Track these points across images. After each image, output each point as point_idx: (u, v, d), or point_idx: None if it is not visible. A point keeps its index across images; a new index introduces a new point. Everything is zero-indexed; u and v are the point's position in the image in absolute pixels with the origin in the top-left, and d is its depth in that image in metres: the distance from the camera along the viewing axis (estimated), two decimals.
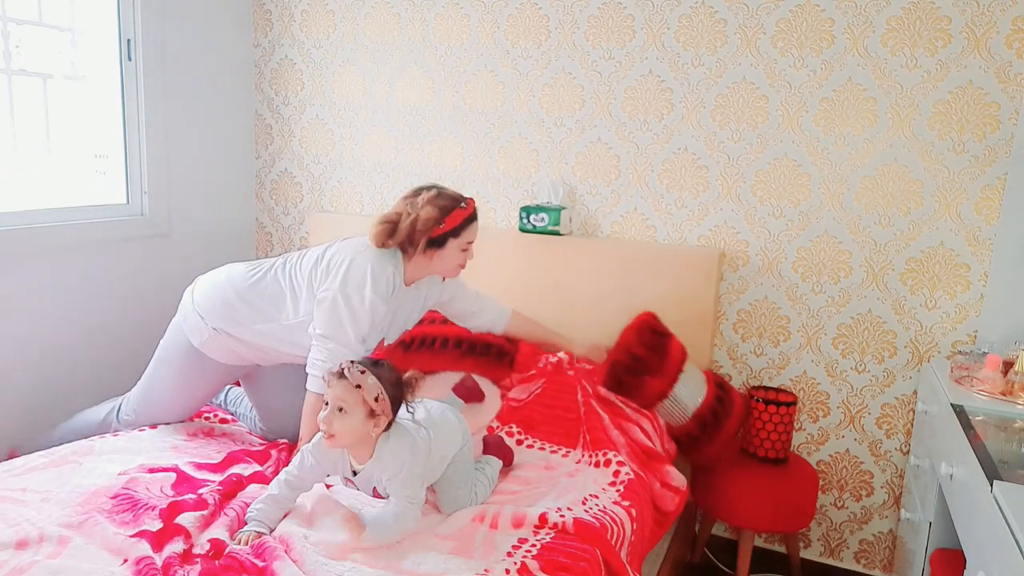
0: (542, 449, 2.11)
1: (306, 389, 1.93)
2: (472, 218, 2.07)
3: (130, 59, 2.69)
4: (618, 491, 1.91)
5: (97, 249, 2.63)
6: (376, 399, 1.56)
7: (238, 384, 2.34)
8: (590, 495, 1.86)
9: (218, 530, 1.57)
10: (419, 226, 1.98)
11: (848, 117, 2.39)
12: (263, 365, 2.15)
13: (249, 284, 2.04)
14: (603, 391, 2.28)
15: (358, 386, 1.55)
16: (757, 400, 2.37)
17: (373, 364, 1.61)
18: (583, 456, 2.07)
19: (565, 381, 2.30)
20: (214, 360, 2.08)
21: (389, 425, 1.63)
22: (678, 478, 2.11)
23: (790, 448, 2.43)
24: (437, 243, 2.01)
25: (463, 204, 2.04)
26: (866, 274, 2.44)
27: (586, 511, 1.76)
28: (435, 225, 1.98)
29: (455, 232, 2.02)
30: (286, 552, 1.48)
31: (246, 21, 3.14)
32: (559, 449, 2.11)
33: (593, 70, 2.66)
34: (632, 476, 1.98)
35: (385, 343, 2.15)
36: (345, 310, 1.90)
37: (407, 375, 1.65)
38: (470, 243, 2.09)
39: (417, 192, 2.03)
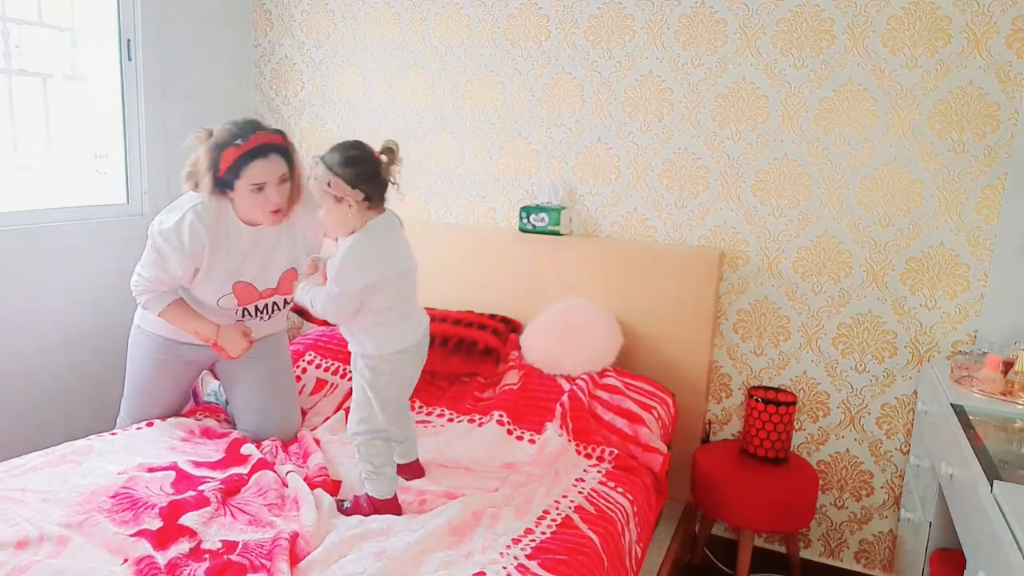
0: (519, 439, 2.16)
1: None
2: (251, 155, 1.82)
3: (130, 59, 2.70)
4: (605, 470, 2.03)
5: (97, 249, 2.63)
6: (328, 184, 1.64)
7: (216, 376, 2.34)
8: (576, 479, 1.96)
9: (227, 530, 1.58)
10: (201, 170, 1.86)
11: (848, 117, 2.39)
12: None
13: None
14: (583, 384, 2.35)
15: (313, 178, 1.67)
16: (757, 400, 2.37)
17: (332, 150, 1.67)
18: (562, 434, 2.13)
19: (543, 376, 2.41)
20: (160, 336, 2.12)
21: (374, 206, 1.69)
22: (653, 439, 2.20)
23: (790, 448, 2.42)
24: (224, 186, 1.88)
25: (237, 142, 1.81)
26: (866, 274, 2.44)
27: (586, 499, 1.85)
28: (213, 170, 1.84)
29: (235, 173, 1.84)
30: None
31: (246, 21, 3.13)
32: (536, 436, 2.17)
33: (593, 70, 2.66)
34: (615, 452, 2.11)
35: (259, 288, 2.04)
36: (149, 248, 1.97)
37: (359, 152, 1.67)
38: (260, 184, 1.85)
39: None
